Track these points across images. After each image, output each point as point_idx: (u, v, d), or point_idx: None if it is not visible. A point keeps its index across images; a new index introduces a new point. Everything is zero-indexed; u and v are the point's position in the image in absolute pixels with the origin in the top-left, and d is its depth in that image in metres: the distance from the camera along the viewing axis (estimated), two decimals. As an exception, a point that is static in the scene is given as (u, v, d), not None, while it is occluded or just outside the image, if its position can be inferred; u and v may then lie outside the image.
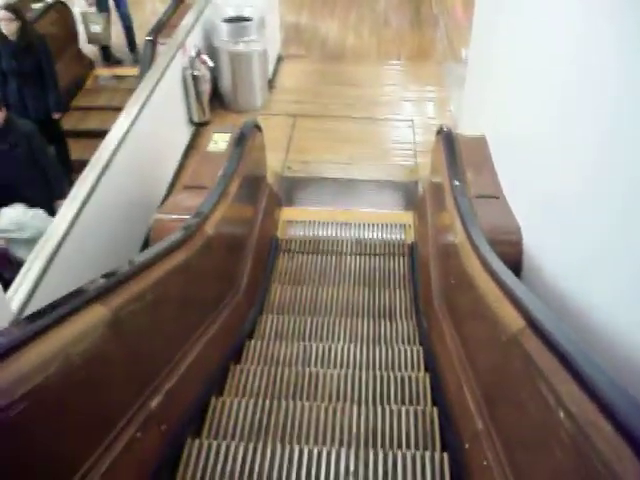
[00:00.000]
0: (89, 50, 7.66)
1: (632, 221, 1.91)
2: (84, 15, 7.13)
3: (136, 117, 4.39)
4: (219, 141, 4.11)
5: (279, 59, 7.79)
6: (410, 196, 5.26)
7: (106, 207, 3.81)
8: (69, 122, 6.04)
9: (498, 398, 2.09)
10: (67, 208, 3.45)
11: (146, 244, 3.94)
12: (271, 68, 7.22)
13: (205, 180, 3.65)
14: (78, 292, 1.87)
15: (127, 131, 4.21)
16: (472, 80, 5.21)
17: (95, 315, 1.86)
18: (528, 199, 3.08)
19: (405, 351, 3.35)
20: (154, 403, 2.18)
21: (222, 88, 6.60)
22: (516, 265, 3.02)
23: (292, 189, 5.40)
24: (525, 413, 1.79)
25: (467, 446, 2.19)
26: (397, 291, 4.17)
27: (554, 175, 2.69)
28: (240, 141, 4.01)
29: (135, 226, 4.13)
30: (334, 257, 4.47)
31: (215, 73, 6.48)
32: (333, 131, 6.24)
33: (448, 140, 3.94)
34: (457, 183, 3.45)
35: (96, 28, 7.02)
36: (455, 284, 3.10)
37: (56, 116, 5.28)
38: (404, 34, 8.87)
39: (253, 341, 3.42)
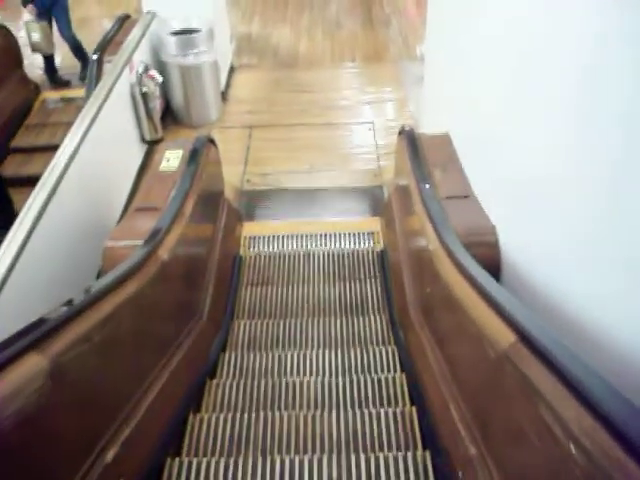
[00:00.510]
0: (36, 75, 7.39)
1: (620, 205, 1.74)
2: (26, 24, 6.89)
3: (82, 138, 4.15)
4: (171, 158, 3.90)
5: (231, 70, 7.60)
6: (376, 202, 5.10)
7: (55, 237, 3.57)
8: (10, 168, 5.71)
9: (491, 420, 1.91)
10: (11, 240, 3.20)
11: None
12: (224, 80, 7.03)
13: (158, 201, 3.43)
14: (9, 341, 1.65)
15: (74, 153, 3.97)
16: (430, 77, 5.09)
17: (30, 366, 1.64)
18: (501, 195, 2.93)
19: (380, 352, 3.31)
20: (110, 455, 1.96)
21: (174, 103, 6.39)
22: (494, 268, 2.86)
23: (253, 203, 5.20)
24: (523, 437, 1.61)
25: (460, 474, 2.02)
26: (367, 286, 4.09)
27: (527, 166, 2.54)
28: (193, 157, 3.80)
29: (89, 255, 3.87)
30: (301, 264, 4.30)
31: (166, 88, 6.27)
32: (291, 140, 6.07)
33: (410, 140, 3.79)
34: (424, 184, 3.30)
35: (35, 36, 6.76)
36: (432, 293, 2.94)
37: None
38: (357, 36, 8.75)
39: (227, 353, 3.36)
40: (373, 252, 4.47)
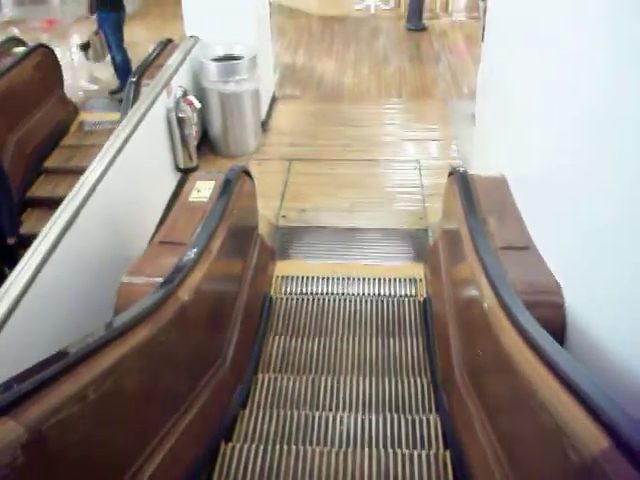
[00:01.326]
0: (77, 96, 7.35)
1: None
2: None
3: (111, 163, 3.94)
4: (202, 189, 3.65)
5: (273, 100, 7.41)
6: (420, 246, 4.77)
7: (71, 269, 3.32)
8: (42, 189, 5.56)
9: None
10: (21, 270, 2.96)
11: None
12: (264, 109, 6.83)
13: (184, 235, 3.17)
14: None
15: (99, 179, 3.75)
16: (482, 117, 4.80)
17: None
18: (568, 248, 2.58)
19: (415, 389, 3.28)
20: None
21: (212, 131, 6.21)
22: (559, 333, 2.52)
23: (287, 240, 4.92)
24: None
25: None
26: (407, 340, 3.81)
27: (600, 216, 2.21)
28: (225, 189, 3.55)
29: (107, 292, 3.61)
30: (336, 312, 4.01)
31: (204, 115, 6.10)
32: (331, 175, 5.80)
33: (463, 182, 3.48)
34: (478, 232, 2.98)
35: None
36: (484, 357, 2.59)
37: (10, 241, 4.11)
38: (405, 71, 8.52)
39: (247, 410, 3.14)
40: (415, 301, 4.14)
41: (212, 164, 6.03)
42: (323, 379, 3.41)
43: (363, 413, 3.10)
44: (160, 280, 2.65)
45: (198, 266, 2.83)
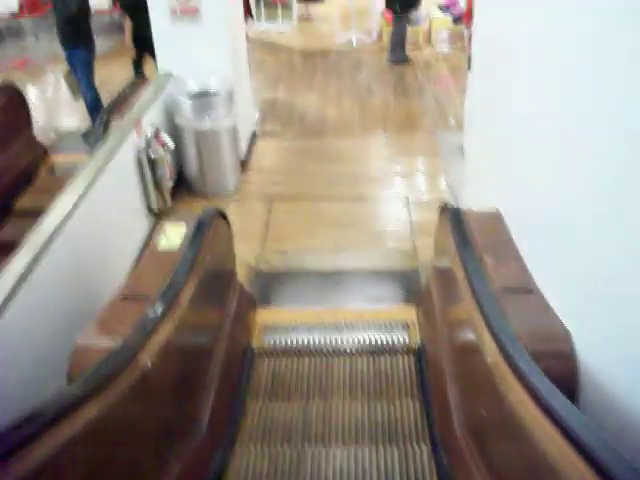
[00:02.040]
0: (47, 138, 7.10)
1: None
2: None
3: (74, 209, 3.69)
4: (172, 235, 3.39)
5: (253, 137, 7.21)
6: (411, 287, 4.51)
7: (26, 328, 3.03)
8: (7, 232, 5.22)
9: None
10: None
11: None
12: (244, 147, 6.62)
13: (150, 288, 2.89)
14: None
15: (60, 225, 3.49)
16: (473, 148, 4.60)
17: None
18: (577, 290, 2.33)
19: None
20: None
21: (188, 171, 5.97)
22: (570, 386, 2.25)
23: (269, 286, 4.64)
24: None
25: None
26: (402, 399, 3.47)
27: (613, 254, 1.98)
28: (197, 234, 3.29)
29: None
30: (323, 365, 3.72)
31: (180, 155, 5.87)
32: (316, 214, 5.57)
33: (456, 219, 3.24)
34: (474, 273, 2.73)
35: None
36: (490, 419, 2.32)
37: None
38: (389, 104, 8.39)
39: None
40: (408, 350, 3.86)
41: (189, 206, 5.79)
42: (307, 452, 3.11)
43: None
44: (119, 342, 2.38)
45: (164, 323, 2.56)
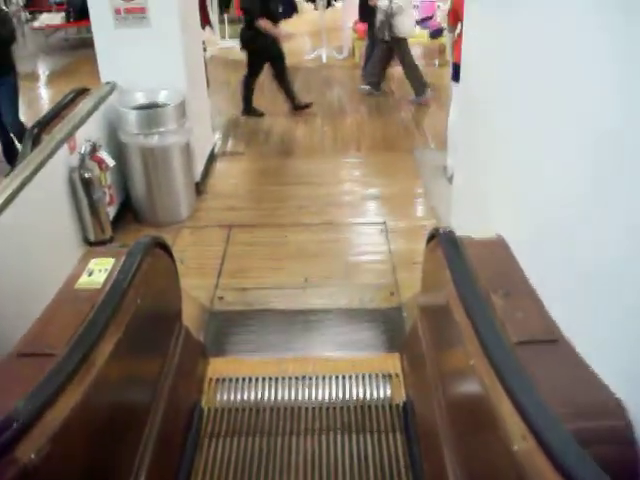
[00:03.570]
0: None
1: None
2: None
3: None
4: (95, 271, 2.78)
5: (212, 158, 6.63)
6: (393, 330, 3.93)
7: None
8: None
9: None
10: None
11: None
12: (200, 169, 6.02)
13: (58, 341, 2.27)
14: None
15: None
16: (464, 168, 4.06)
17: None
18: (625, 340, 1.76)
19: None
20: None
21: (134, 195, 5.36)
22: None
23: (224, 329, 4.02)
24: None
25: None
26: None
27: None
28: (126, 269, 2.67)
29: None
30: (286, 438, 3.11)
31: (125, 176, 5.27)
32: (281, 244, 4.97)
33: (452, 247, 2.68)
34: (482, 319, 2.16)
35: None
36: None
37: None
38: (363, 122, 7.89)
39: None
40: (391, 408, 3.28)
41: (135, 235, 5.04)
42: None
43: None
44: None
45: (66, 394, 1.93)
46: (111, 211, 5.03)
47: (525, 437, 1.58)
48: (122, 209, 5.39)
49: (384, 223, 5.25)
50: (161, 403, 2.83)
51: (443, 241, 2.76)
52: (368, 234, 5.16)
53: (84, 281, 2.71)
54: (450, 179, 5.69)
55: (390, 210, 5.58)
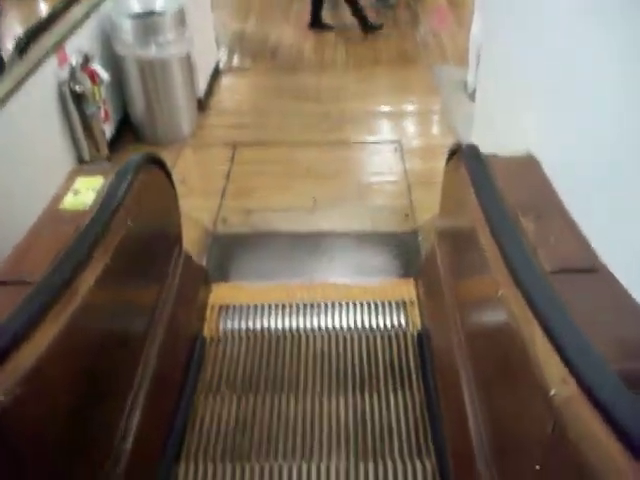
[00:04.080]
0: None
1: None
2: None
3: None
4: (83, 191, 2.55)
5: (216, 73, 6.29)
6: (408, 255, 3.71)
7: None
8: None
9: None
10: None
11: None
12: (203, 84, 5.71)
13: (38, 267, 2.06)
14: None
15: None
16: (491, 81, 3.74)
17: None
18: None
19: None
20: None
21: (133, 112, 5.09)
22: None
23: (228, 253, 3.82)
24: None
25: None
26: (398, 400, 2.74)
27: None
28: (115, 189, 2.44)
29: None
30: (294, 355, 2.99)
31: (123, 93, 4.98)
32: (289, 164, 4.72)
33: (477, 164, 2.42)
34: (512, 244, 1.92)
35: None
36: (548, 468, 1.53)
37: None
38: (378, 37, 7.45)
39: None
40: (406, 336, 3.09)
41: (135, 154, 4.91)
42: (276, 468, 2.39)
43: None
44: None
45: (41, 328, 1.73)
46: (108, 129, 4.77)
47: (566, 380, 1.37)
48: (121, 128, 5.12)
49: (399, 141, 4.98)
50: (158, 333, 2.65)
51: (466, 157, 2.50)
52: (382, 153, 4.90)
53: (69, 202, 2.49)
54: (471, 96, 5.42)
55: (405, 128, 5.32)
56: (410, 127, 5.35)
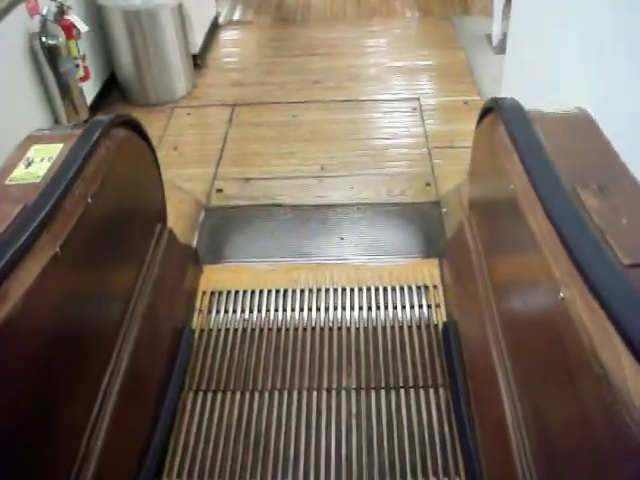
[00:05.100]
0: None
1: None
2: None
3: None
4: (37, 160, 2.13)
5: (214, 28, 5.82)
6: (429, 230, 3.28)
7: None
8: None
9: None
10: None
11: None
12: (199, 39, 5.25)
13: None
14: None
15: None
16: (526, 32, 3.28)
17: None
18: None
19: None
20: None
21: (120, 71, 4.66)
22: None
23: (223, 229, 3.40)
24: None
25: None
26: (419, 404, 2.40)
27: None
28: (73, 158, 2.02)
29: None
30: (298, 349, 2.64)
31: (108, 49, 4.55)
32: (293, 126, 4.28)
33: (521, 121, 1.98)
34: (573, 226, 1.50)
35: None
36: None
37: None
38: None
39: None
40: (429, 327, 2.69)
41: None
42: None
43: None
44: None
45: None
46: (91, 89, 4.36)
47: None
48: (108, 88, 4.70)
49: (417, 99, 4.51)
50: (133, 328, 2.26)
51: (506, 115, 2.05)
52: (398, 112, 4.43)
53: (19, 174, 2.06)
54: (497, 49, 5.03)
55: (424, 85, 4.85)
56: (429, 84, 4.87)
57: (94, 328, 2.08)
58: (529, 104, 2.15)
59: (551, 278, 1.48)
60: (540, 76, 2.92)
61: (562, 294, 1.41)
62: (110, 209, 2.21)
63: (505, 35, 4.63)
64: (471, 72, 4.88)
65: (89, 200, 1.98)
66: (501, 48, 4.78)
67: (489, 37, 5.32)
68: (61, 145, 2.17)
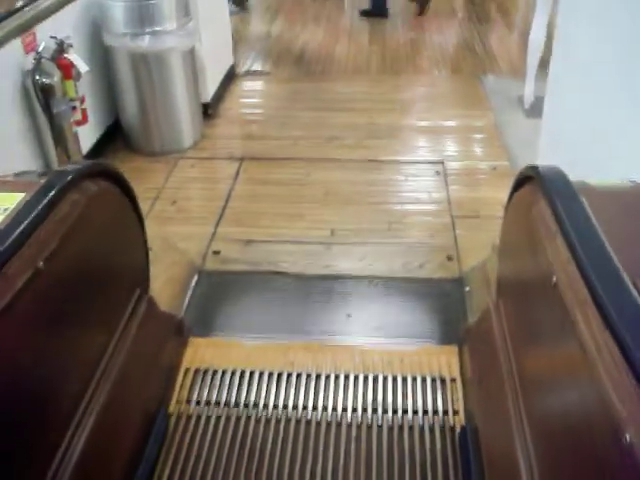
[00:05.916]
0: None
1: None
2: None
3: None
4: (-8, 212, 1.85)
5: (230, 76, 5.62)
6: (450, 311, 2.94)
7: None
8: None
9: None
10: None
11: None
12: (213, 88, 5.05)
13: None
14: None
15: None
16: (566, 95, 3.01)
17: None
18: None
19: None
20: None
21: (124, 116, 4.43)
22: None
23: (216, 297, 3.09)
24: None
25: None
26: None
27: None
28: (24, 215, 1.73)
29: None
30: (297, 450, 2.26)
31: (114, 93, 4.34)
32: (303, 184, 4.01)
33: (567, 195, 1.67)
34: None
35: None
36: None
37: None
38: (419, 40, 6.77)
39: None
40: (444, 430, 2.33)
41: (126, 167, 4.23)
42: None
43: None
44: None
45: None
46: (91, 134, 4.12)
47: None
48: (111, 133, 4.48)
49: (442, 163, 4.24)
50: (93, 412, 1.92)
51: (549, 187, 1.73)
52: (420, 176, 4.16)
53: (-32, 228, 1.77)
54: (529, 112, 4.80)
55: (449, 147, 4.62)
56: (454, 146, 4.62)
57: (43, 409, 1.75)
58: (571, 174, 1.86)
59: (605, 404, 1.13)
60: (584, 142, 2.64)
61: (628, 437, 1.06)
62: (72, 273, 1.90)
63: (538, 98, 4.41)
64: (500, 135, 4.62)
65: (40, 264, 1.68)
66: (534, 111, 4.55)
67: (521, 99, 5.11)
68: (22, 195, 1.88)
